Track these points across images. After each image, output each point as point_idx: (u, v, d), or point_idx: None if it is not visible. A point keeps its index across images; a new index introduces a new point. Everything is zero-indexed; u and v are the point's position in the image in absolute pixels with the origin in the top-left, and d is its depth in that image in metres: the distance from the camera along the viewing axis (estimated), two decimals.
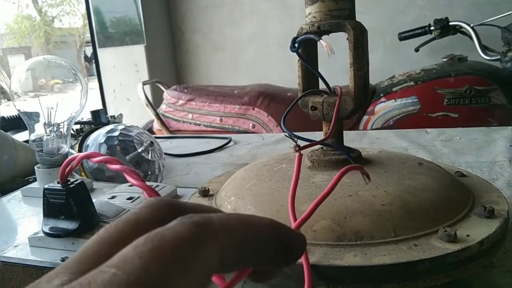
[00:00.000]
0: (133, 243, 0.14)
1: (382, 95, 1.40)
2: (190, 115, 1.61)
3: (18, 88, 0.56)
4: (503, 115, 1.26)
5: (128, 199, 0.47)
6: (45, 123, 0.56)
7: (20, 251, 0.40)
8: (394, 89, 1.39)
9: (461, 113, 1.30)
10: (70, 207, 0.39)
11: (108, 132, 0.62)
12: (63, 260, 0.37)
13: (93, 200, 0.41)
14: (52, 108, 0.56)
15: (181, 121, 1.63)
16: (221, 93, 1.61)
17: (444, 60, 1.40)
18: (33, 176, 0.62)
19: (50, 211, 0.40)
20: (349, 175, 0.30)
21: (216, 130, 1.56)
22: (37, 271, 0.38)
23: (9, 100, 0.58)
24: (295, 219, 0.30)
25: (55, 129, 0.57)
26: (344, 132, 0.42)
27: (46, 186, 0.40)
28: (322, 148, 0.41)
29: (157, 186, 0.52)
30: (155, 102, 1.88)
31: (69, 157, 0.39)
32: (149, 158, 0.63)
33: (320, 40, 0.38)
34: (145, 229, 0.15)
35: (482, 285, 0.33)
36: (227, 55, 2.44)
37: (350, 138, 0.89)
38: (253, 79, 1.97)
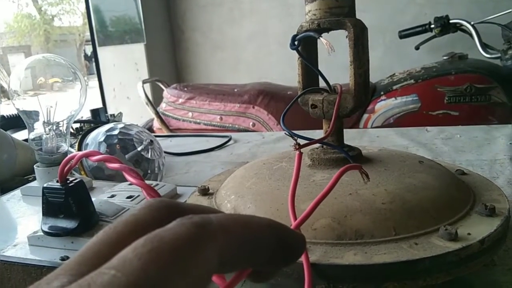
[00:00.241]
0: (132, 244, 0.14)
1: (382, 93, 1.40)
2: (190, 114, 1.61)
3: (17, 87, 0.56)
4: (503, 113, 1.26)
5: (127, 197, 0.47)
6: (44, 122, 0.56)
7: (19, 250, 0.40)
8: (394, 87, 1.38)
9: (462, 111, 1.30)
10: (69, 206, 0.39)
11: (108, 130, 0.62)
12: (62, 259, 0.37)
13: (93, 199, 0.41)
14: (51, 106, 0.56)
15: (181, 119, 1.63)
16: (221, 91, 1.60)
17: (445, 58, 1.40)
18: (33, 175, 0.62)
19: (49, 210, 0.40)
20: (349, 173, 0.30)
21: (216, 128, 1.56)
22: (36, 270, 0.37)
23: (9, 99, 0.58)
24: (295, 218, 0.30)
25: (54, 127, 0.56)
26: (345, 130, 0.42)
27: (45, 185, 0.40)
28: (322, 146, 0.41)
29: (157, 185, 0.52)
30: (155, 101, 1.88)
31: (68, 156, 0.39)
32: (149, 156, 0.62)
33: (320, 38, 0.37)
34: (144, 230, 0.15)
35: (483, 284, 0.33)
36: (227, 54, 2.44)
37: (351, 136, 0.89)
38: (253, 77, 1.97)
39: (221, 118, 1.56)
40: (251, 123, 1.53)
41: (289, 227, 0.21)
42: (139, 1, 2.28)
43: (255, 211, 0.35)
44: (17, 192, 0.59)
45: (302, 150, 0.34)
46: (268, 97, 1.52)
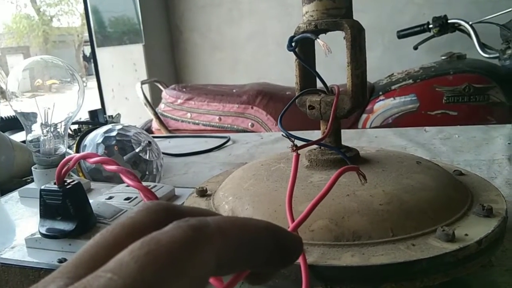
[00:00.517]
0: (129, 247, 0.14)
1: (381, 93, 1.40)
2: (188, 114, 1.61)
3: (15, 88, 0.56)
4: (502, 113, 1.26)
5: (125, 199, 0.47)
6: (42, 124, 0.56)
7: (17, 252, 0.40)
8: (393, 87, 1.38)
9: (460, 111, 1.30)
10: (66, 208, 0.39)
11: (106, 132, 0.62)
12: (60, 261, 0.37)
13: (90, 201, 0.41)
14: (49, 108, 0.56)
15: (180, 120, 1.63)
16: (219, 92, 1.60)
17: (443, 58, 1.40)
18: (31, 177, 0.62)
19: (46, 212, 0.40)
20: (346, 174, 0.30)
21: (214, 129, 1.56)
22: (34, 272, 0.37)
23: (7, 100, 0.58)
24: (292, 220, 0.30)
25: (52, 129, 0.56)
26: (343, 130, 0.42)
27: (42, 187, 0.40)
28: (320, 147, 0.41)
29: (155, 186, 0.52)
30: (153, 102, 1.88)
31: (66, 158, 0.39)
32: (147, 158, 0.62)
33: (317, 39, 0.37)
34: (141, 233, 0.15)
35: (481, 285, 0.33)
36: (225, 54, 2.44)
37: (349, 137, 0.89)
38: (251, 78, 1.96)
39: (220, 119, 1.56)
40: (250, 124, 1.53)
41: (286, 229, 0.21)
42: (138, 1, 2.28)
43: (252, 213, 0.35)
44: (15, 194, 0.59)
45: (300, 151, 0.34)
46: (267, 97, 1.52)
